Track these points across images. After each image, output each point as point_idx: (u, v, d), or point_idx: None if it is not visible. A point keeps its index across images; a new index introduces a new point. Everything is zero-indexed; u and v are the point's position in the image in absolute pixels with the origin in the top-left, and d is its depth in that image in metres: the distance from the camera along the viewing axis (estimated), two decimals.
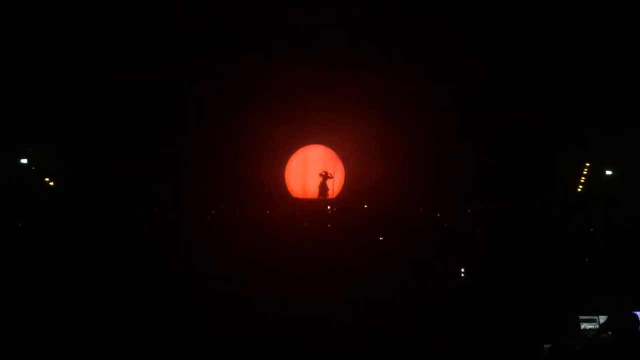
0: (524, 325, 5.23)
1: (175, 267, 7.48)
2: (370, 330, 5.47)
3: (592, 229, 11.01)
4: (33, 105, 12.73)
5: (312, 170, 16.33)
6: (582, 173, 14.76)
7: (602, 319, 4.84)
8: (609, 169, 14.14)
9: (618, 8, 11.49)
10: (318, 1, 12.89)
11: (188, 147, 14.68)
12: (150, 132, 14.22)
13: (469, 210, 13.62)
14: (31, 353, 4.91)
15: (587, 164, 14.69)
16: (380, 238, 10.03)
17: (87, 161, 13.85)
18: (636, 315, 4.15)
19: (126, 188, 13.38)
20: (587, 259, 7.96)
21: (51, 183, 13.79)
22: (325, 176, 15.92)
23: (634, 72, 12.16)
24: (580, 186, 14.74)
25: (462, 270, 7.57)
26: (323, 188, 15.93)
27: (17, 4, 11.57)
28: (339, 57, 14.05)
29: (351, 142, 15.53)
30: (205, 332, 5.40)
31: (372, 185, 15.25)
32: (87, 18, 12.34)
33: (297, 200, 15.88)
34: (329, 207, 14.31)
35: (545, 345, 4.45)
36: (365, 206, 14.31)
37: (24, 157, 13.30)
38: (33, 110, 12.73)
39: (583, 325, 4.98)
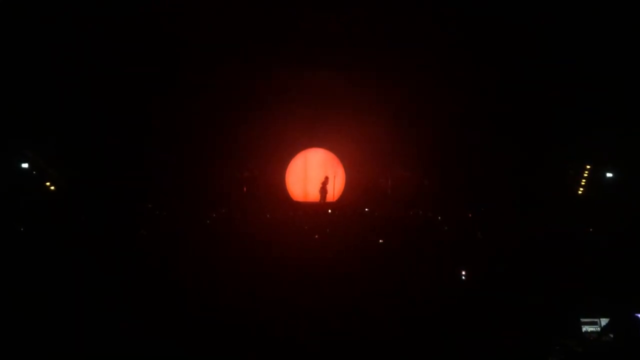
0: (526, 327, 5.22)
1: (175, 270, 7.48)
2: (371, 333, 5.46)
3: (591, 230, 11.00)
4: (32, 107, 12.73)
5: (313, 173, 16.32)
6: (582, 175, 14.75)
7: (604, 321, 4.84)
8: (609, 171, 14.13)
9: (619, 8, 11.49)
10: (318, 5, 12.91)
11: (188, 150, 14.67)
12: (150, 134, 14.21)
13: (470, 214, 13.58)
14: (31, 353, 4.93)
15: (588, 166, 14.68)
16: (381, 241, 10.02)
17: (87, 163, 13.85)
18: (638, 318, 4.14)
19: (125, 191, 13.37)
20: (588, 261, 7.94)
21: (52, 187, 13.79)
22: (326, 180, 15.90)
23: (634, 73, 12.15)
24: (581, 188, 14.73)
25: (463, 273, 7.56)
26: (323, 191, 15.92)
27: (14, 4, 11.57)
28: (340, 61, 14.06)
29: (351, 146, 15.50)
30: (205, 335, 5.40)
31: (372, 188, 15.23)
32: (84, 17, 12.32)
33: (298, 203, 15.86)
34: (329, 211, 14.29)
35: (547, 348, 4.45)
36: (366, 209, 14.29)
37: (24, 161, 13.31)
38: (32, 113, 12.74)
39: (584, 328, 4.97)
